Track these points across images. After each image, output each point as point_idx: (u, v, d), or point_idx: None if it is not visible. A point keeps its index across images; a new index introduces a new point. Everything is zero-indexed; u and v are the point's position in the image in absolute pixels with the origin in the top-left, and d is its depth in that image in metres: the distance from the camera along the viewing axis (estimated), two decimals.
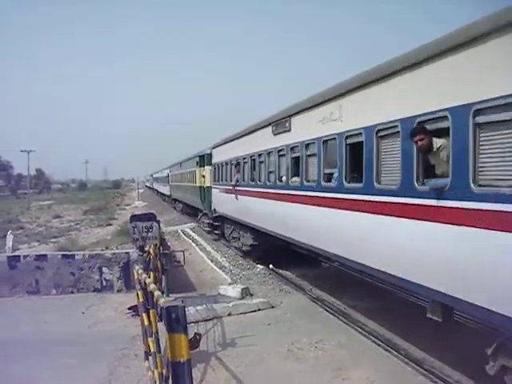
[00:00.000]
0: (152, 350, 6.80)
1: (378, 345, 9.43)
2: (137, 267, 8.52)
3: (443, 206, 6.54)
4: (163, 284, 12.58)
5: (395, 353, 8.95)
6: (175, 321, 4.47)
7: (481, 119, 5.94)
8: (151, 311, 6.74)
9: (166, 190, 60.91)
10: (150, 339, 6.91)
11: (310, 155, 11.59)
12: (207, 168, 26.77)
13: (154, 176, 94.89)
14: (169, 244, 24.04)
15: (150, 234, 12.76)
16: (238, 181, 18.73)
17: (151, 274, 10.78)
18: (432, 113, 6.85)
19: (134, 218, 13.39)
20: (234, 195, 19.22)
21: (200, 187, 28.54)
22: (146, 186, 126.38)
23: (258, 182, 16.14)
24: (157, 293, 5.73)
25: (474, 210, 5.96)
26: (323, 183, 10.63)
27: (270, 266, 17.22)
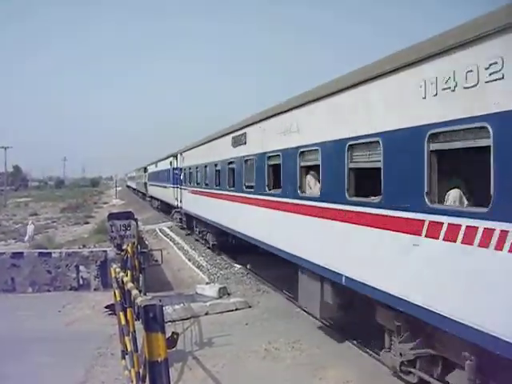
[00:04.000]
0: (129, 349, 6.78)
1: (355, 345, 9.51)
2: (114, 266, 8.49)
3: None
4: (140, 283, 12.53)
5: (371, 353, 9.03)
6: (153, 320, 4.47)
7: None
8: (128, 310, 6.71)
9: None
10: (126, 338, 6.88)
11: None
12: None
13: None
14: (146, 242, 23.95)
15: (127, 233, 12.75)
16: None
17: (129, 272, 10.71)
18: None
19: (111, 216, 13.35)
20: None
21: None
22: (127, 187, 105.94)
23: None
24: (134, 292, 5.72)
25: None
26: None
27: (248, 265, 17.25)
